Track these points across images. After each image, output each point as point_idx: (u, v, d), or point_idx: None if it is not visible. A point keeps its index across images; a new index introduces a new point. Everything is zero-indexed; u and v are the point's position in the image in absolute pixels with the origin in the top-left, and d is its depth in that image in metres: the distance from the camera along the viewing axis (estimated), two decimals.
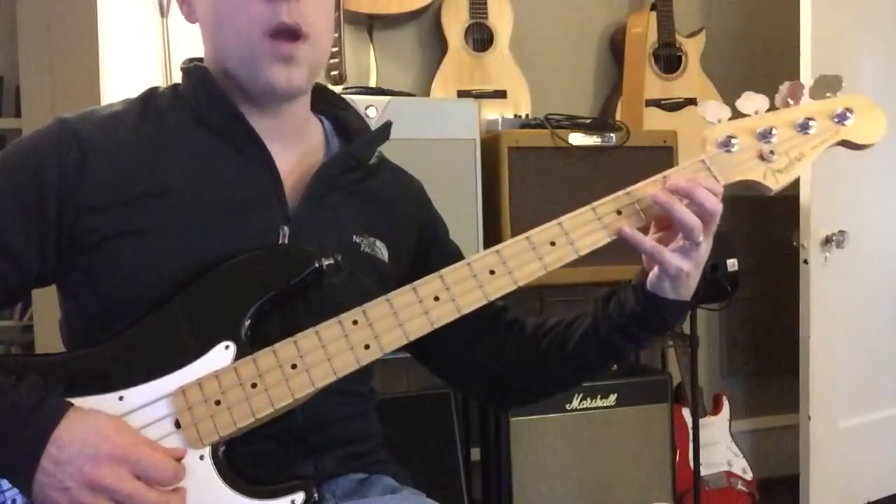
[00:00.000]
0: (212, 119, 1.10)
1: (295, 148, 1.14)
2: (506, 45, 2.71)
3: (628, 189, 1.06)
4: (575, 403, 2.40)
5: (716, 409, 2.85)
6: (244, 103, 1.10)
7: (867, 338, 2.71)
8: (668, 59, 2.86)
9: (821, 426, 2.54)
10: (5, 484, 0.92)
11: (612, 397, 2.44)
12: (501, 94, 2.68)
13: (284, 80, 1.06)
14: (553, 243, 1.03)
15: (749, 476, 2.79)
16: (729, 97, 1.14)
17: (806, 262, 2.49)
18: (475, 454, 2.52)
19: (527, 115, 2.59)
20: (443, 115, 2.26)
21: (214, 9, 1.08)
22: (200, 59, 1.15)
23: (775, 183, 1.09)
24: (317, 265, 1.02)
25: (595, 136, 2.44)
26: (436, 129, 2.23)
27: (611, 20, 3.02)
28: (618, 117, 2.83)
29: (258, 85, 1.07)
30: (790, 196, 2.51)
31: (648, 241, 1.04)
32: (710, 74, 2.89)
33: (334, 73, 2.44)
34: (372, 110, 2.15)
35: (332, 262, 1.04)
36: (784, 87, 1.12)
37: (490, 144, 2.37)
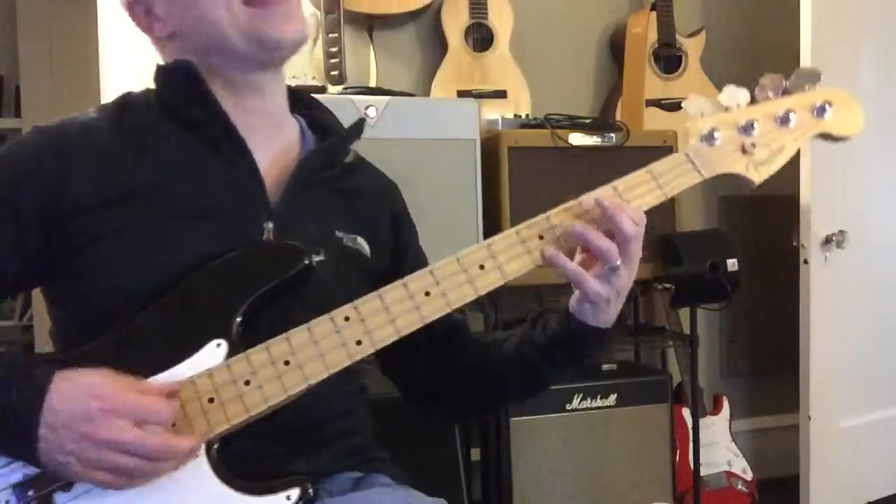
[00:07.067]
0: (190, 116, 1.09)
1: (273, 143, 1.14)
2: (506, 45, 2.71)
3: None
4: (575, 403, 2.40)
5: (716, 409, 2.84)
6: (225, 99, 1.09)
7: (867, 338, 2.71)
8: (668, 59, 2.86)
9: (821, 426, 2.54)
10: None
11: (612, 397, 2.43)
12: (501, 94, 2.68)
13: (290, 33, 1.07)
14: (541, 236, 1.04)
15: (749, 476, 2.79)
16: None
17: (806, 262, 2.49)
18: (475, 454, 2.51)
19: (527, 115, 2.59)
20: (443, 115, 2.27)
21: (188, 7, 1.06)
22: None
23: (757, 176, 1.10)
24: (307, 262, 1.02)
25: (595, 136, 2.45)
26: (436, 129, 2.23)
27: (611, 20, 3.02)
28: (618, 117, 2.83)
29: (266, 46, 1.07)
30: (790, 196, 2.51)
31: (570, 264, 1.04)
32: (710, 74, 2.88)
33: (334, 73, 2.43)
34: (372, 110, 2.15)
35: (322, 258, 1.04)
36: (764, 80, 1.13)
37: (490, 144, 2.37)
